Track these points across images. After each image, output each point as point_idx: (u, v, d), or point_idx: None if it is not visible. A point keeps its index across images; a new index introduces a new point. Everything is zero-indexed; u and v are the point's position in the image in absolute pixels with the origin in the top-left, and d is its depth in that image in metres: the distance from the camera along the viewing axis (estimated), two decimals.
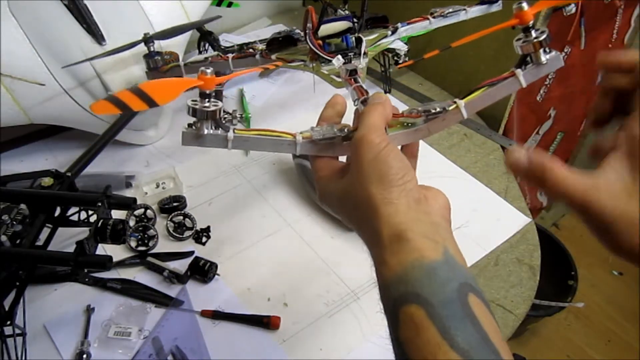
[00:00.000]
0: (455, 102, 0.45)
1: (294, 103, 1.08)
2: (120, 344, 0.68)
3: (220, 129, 0.44)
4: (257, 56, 0.75)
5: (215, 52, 0.78)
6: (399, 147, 0.48)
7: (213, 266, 0.76)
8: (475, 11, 0.80)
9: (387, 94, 1.12)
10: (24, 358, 0.64)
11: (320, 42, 0.66)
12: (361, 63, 0.64)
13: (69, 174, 0.71)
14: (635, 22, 1.38)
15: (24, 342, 0.64)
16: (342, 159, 0.48)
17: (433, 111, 0.45)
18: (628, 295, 1.88)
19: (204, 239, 0.81)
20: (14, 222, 0.62)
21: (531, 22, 0.41)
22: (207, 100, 0.42)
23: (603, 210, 0.33)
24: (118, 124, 0.82)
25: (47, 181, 0.69)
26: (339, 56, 0.63)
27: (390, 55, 0.99)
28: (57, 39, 0.80)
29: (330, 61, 0.64)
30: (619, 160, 0.34)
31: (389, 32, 0.76)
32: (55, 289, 0.74)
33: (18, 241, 0.61)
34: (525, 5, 0.41)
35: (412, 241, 0.36)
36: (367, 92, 0.53)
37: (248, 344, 0.69)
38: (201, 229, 0.82)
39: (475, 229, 0.85)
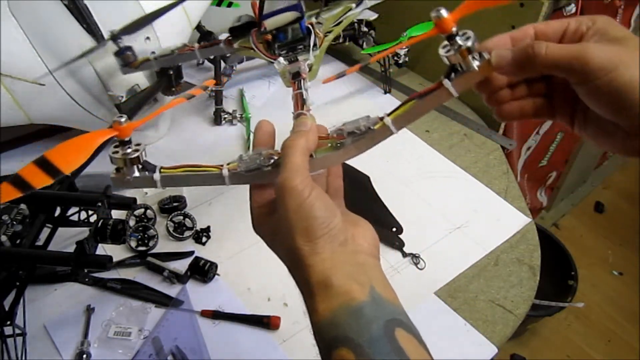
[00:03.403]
0: (382, 120, 0.43)
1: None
2: (120, 344, 0.68)
3: (146, 170, 0.44)
4: (222, 45, 0.73)
5: (182, 44, 0.77)
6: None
7: (213, 266, 0.76)
8: None
9: (387, 94, 1.13)
10: (24, 358, 0.64)
11: (269, 36, 0.63)
12: (310, 58, 0.61)
13: (69, 174, 0.71)
14: (635, 22, 1.38)
15: (24, 342, 0.64)
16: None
17: (358, 132, 0.43)
18: (628, 295, 1.88)
19: (204, 239, 0.81)
20: (14, 222, 0.62)
21: (454, 29, 0.38)
22: (127, 147, 0.42)
23: (597, 58, 0.35)
24: None
25: None
26: (281, 58, 0.61)
27: (390, 55, 1.00)
28: (57, 39, 0.80)
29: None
30: (594, 41, 0.37)
31: (354, 5, 0.73)
32: (55, 289, 0.74)
33: (18, 241, 0.61)
34: (444, 12, 0.37)
35: (337, 286, 0.37)
36: (304, 103, 0.51)
37: (248, 344, 0.69)
38: (201, 229, 0.82)
39: (475, 229, 0.85)
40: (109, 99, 0.85)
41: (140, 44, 0.86)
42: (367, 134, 0.43)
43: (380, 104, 1.10)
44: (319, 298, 0.38)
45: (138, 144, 0.42)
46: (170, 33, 0.90)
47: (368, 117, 0.44)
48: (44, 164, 0.38)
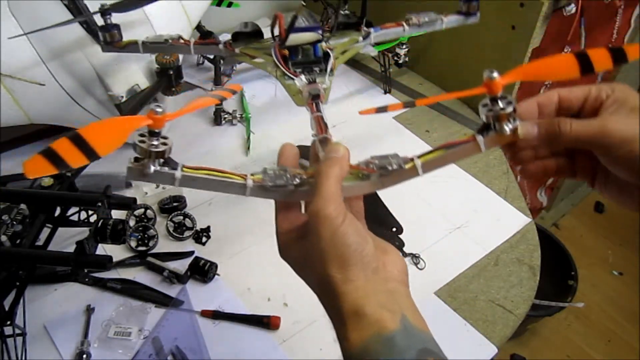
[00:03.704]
0: (412, 160, 0.44)
1: (294, 103, 1.08)
2: (120, 344, 0.68)
3: (168, 166, 0.42)
4: (221, 46, 0.72)
5: (176, 35, 0.75)
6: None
7: (213, 266, 0.76)
8: (451, 21, 0.78)
9: (387, 94, 1.13)
10: (24, 358, 0.64)
11: (286, 51, 0.64)
12: (326, 82, 0.61)
13: (69, 174, 0.71)
14: (635, 22, 1.38)
15: (24, 342, 0.64)
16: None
17: (389, 168, 0.44)
18: (628, 295, 1.88)
19: (204, 239, 0.81)
20: (14, 222, 0.62)
21: (499, 93, 0.40)
22: (155, 139, 0.40)
23: (618, 132, 0.38)
24: None
25: (47, 181, 0.69)
26: (303, 76, 0.61)
27: (390, 55, 1.00)
28: (57, 39, 0.80)
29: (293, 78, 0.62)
30: (614, 113, 0.40)
31: (361, 38, 0.74)
32: (55, 289, 0.74)
33: (18, 241, 0.61)
34: (496, 75, 0.39)
35: (370, 315, 0.37)
36: (326, 127, 0.51)
37: (248, 344, 0.69)
38: (201, 229, 0.82)
39: (475, 229, 0.85)
40: (109, 98, 0.85)
41: None
42: (395, 172, 0.44)
43: (380, 104, 1.10)
44: (350, 326, 0.37)
45: (166, 137, 0.40)
46: (170, 33, 0.90)
47: (397, 155, 0.45)
48: (78, 141, 0.35)
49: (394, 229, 0.83)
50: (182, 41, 0.74)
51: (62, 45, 0.80)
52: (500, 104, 0.40)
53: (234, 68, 1.06)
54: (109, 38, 0.76)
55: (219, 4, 1.08)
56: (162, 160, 0.41)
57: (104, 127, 0.37)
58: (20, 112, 0.81)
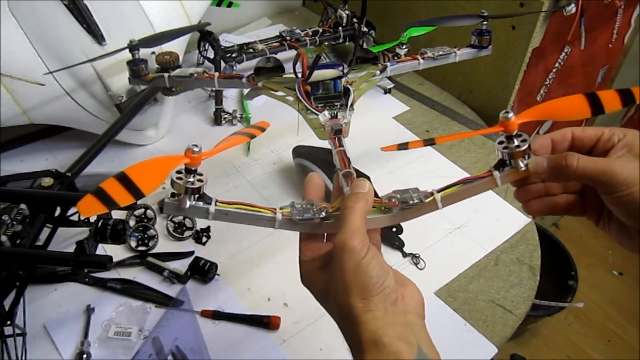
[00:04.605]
0: (432, 194, 0.47)
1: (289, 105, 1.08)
2: (120, 344, 0.68)
3: (202, 201, 0.44)
4: (244, 79, 0.75)
5: (201, 69, 0.78)
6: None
7: (213, 266, 0.76)
8: (464, 54, 0.81)
9: (387, 94, 1.13)
10: (24, 358, 0.64)
11: (309, 87, 0.66)
12: (347, 117, 0.64)
13: (69, 174, 0.71)
14: (635, 22, 1.38)
15: (24, 342, 0.64)
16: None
17: (411, 202, 0.46)
18: (628, 295, 1.88)
19: (204, 239, 0.81)
20: (14, 222, 0.62)
21: (515, 132, 0.43)
22: (192, 176, 0.42)
23: (622, 174, 0.40)
24: (118, 124, 0.82)
25: (47, 181, 0.69)
26: (326, 112, 0.64)
27: (390, 55, 1.00)
28: (57, 39, 0.80)
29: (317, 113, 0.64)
30: (622, 156, 0.42)
31: (378, 72, 0.76)
32: (55, 289, 0.74)
33: (18, 241, 0.61)
34: (511, 115, 0.42)
35: (388, 345, 0.38)
36: (349, 162, 0.54)
37: (248, 344, 0.69)
38: (201, 229, 0.82)
39: (475, 229, 0.85)
40: (109, 99, 0.85)
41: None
42: (416, 206, 0.47)
43: (380, 104, 1.10)
44: (369, 355, 0.39)
45: (201, 174, 0.43)
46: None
47: (417, 190, 0.47)
48: (126, 182, 0.38)
49: (394, 229, 0.83)
50: (206, 75, 0.77)
51: (62, 45, 0.80)
52: (516, 142, 0.43)
53: (234, 68, 1.06)
54: (137, 72, 0.79)
55: (219, 4, 1.08)
56: (197, 195, 0.44)
57: (147, 167, 0.39)
58: (20, 112, 0.81)
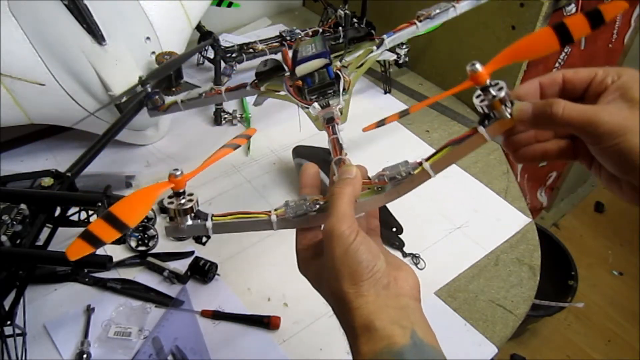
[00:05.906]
0: (420, 164, 0.45)
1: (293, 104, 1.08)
2: (120, 344, 0.68)
3: (199, 218, 0.46)
4: (248, 87, 0.76)
5: (209, 87, 0.80)
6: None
7: (213, 266, 0.76)
8: (464, 5, 0.77)
9: (387, 94, 1.13)
10: (24, 358, 0.64)
11: (300, 82, 0.66)
12: (340, 102, 0.64)
13: (69, 174, 0.71)
14: (635, 22, 1.38)
15: (24, 342, 0.64)
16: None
17: (399, 177, 0.46)
18: (628, 295, 1.89)
19: (204, 239, 0.81)
20: (14, 222, 0.61)
21: (488, 81, 0.40)
22: (182, 198, 0.44)
23: (608, 124, 0.36)
24: (118, 124, 0.82)
25: (47, 181, 0.69)
26: (315, 104, 0.64)
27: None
28: (57, 39, 0.80)
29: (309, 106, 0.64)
30: (612, 101, 0.38)
31: (375, 47, 0.75)
32: (55, 289, 0.74)
33: (18, 241, 0.61)
34: (478, 66, 0.40)
35: (380, 330, 0.38)
36: (341, 149, 0.54)
37: (248, 344, 0.69)
38: None
39: (475, 229, 0.85)
40: (109, 99, 0.85)
41: (141, 44, 0.86)
42: (407, 179, 0.46)
43: (380, 104, 1.10)
44: (362, 340, 0.39)
45: (191, 194, 0.45)
46: (170, 33, 0.90)
47: (407, 162, 0.46)
48: (111, 219, 0.39)
49: (394, 229, 0.83)
50: (213, 91, 0.79)
51: (62, 45, 0.80)
52: (492, 92, 0.40)
53: (234, 68, 1.06)
54: (153, 104, 0.82)
55: (219, 4, 1.08)
56: (192, 214, 0.46)
57: (131, 201, 0.40)
58: (20, 112, 0.81)
